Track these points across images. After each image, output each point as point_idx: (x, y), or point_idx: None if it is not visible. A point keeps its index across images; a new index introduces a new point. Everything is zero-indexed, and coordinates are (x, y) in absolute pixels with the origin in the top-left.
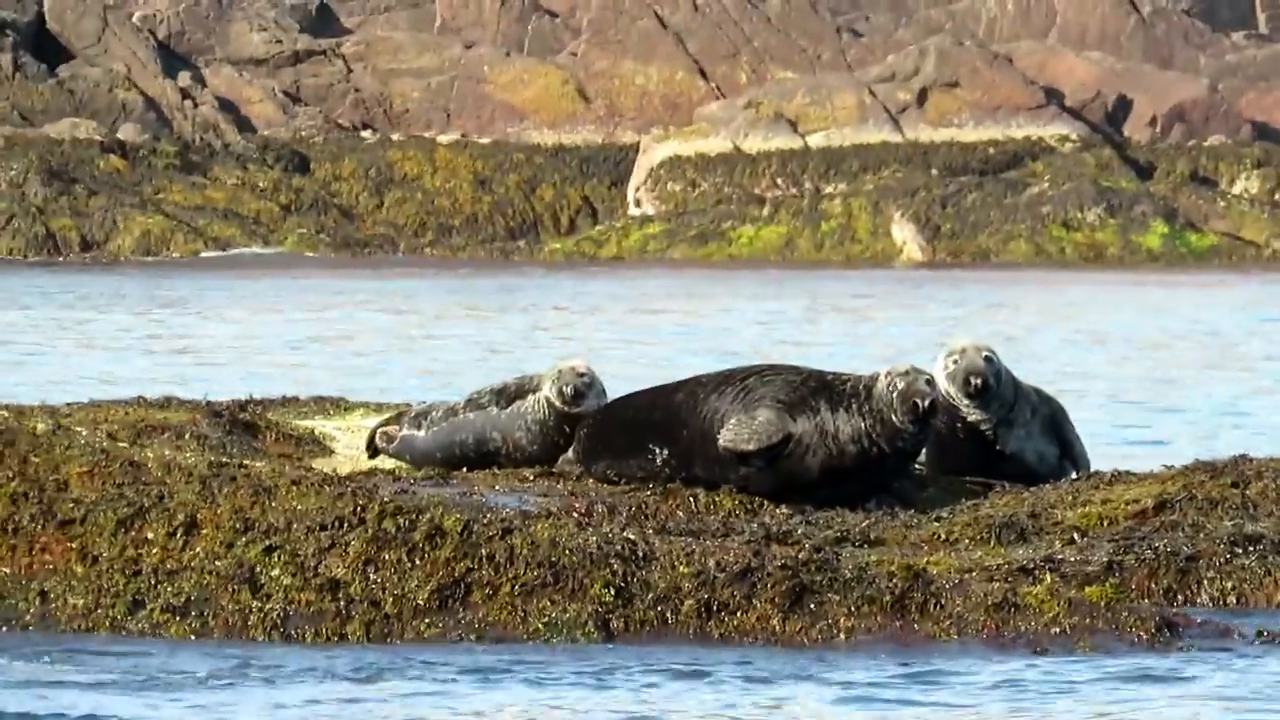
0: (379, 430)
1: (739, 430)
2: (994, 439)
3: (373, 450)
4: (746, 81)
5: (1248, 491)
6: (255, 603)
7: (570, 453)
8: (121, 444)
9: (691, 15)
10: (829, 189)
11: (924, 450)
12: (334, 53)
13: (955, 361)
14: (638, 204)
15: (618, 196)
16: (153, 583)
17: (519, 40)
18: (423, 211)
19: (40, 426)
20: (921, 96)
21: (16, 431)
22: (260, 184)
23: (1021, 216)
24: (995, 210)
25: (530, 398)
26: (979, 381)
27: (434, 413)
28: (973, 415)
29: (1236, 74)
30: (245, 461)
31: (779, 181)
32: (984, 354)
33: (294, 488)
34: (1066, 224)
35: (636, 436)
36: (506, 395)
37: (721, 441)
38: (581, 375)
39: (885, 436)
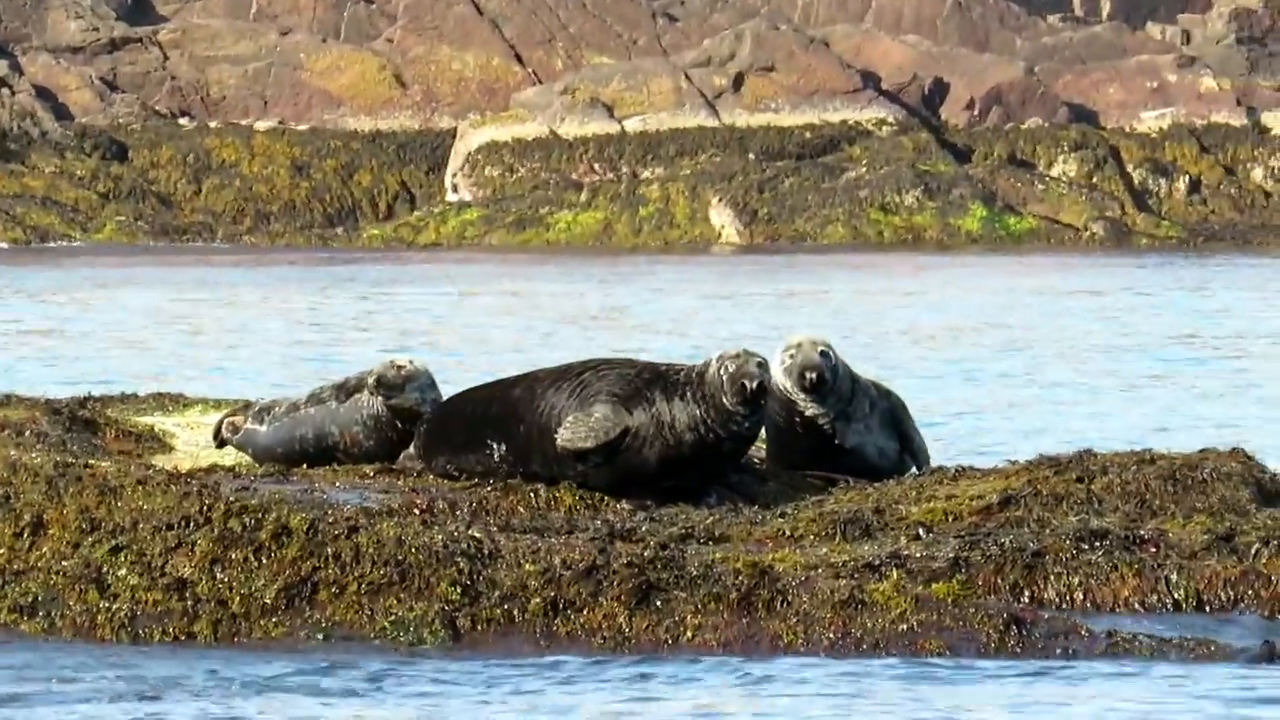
0: (225, 421)
1: (575, 429)
2: (833, 433)
3: (220, 441)
4: (563, 67)
5: (1093, 486)
6: (103, 603)
7: (411, 448)
8: None
9: (507, 1)
10: (646, 174)
11: (765, 444)
12: (151, 40)
13: (791, 356)
14: (455, 190)
15: (435, 182)
16: (0, 583)
17: (335, 27)
18: (240, 198)
19: None
20: (738, 81)
21: None
22: (78, 172)
23: (839, 200)
24: (813, 194)
25: (365, 392)
26: (814, 376)
27: (276, 408)
28: (810, 409)
29: (1053, 56)
30: (91, 461)
31: (596, 167)
32: (820, 348)
33: (140, 487)
34: (884, 207)
35: (475, 432)
36: (345, 389)
37: (559, 441)
38: (400, 368)
39: (719, 422)
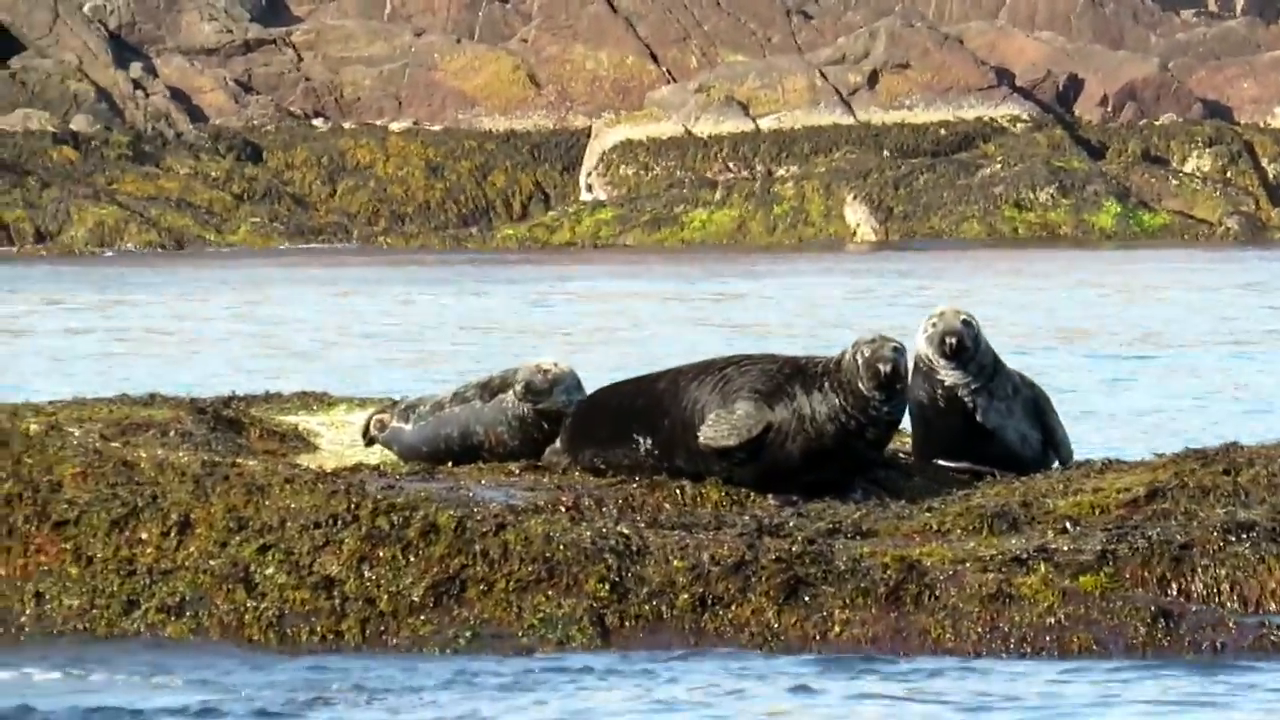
0: (374, 417)
1: (718, 426)
2: (973, 408)
3: (368, 438)
4: (697, 65)
5: (1239, 479)
6: (250, 602)
7: (557, 443)
8: (114, 444)
9: (641, 0)
10: (781, 172)
11: (910, 432)
12: (284, 41)
13: (934, 325)
14: (590, 189)
15: (570, 182)
16: (147, 583)
17: (469, 27)
18: (375, 199)
19: (33, 427)
20: (872, 78)
21: (10, 432)
22: (213, 173)
23: (974, 197)
24: (948, 191)
25: (510, 392)
26: (954, 341)
27: (421, 406)
28: (950, 377)
29: (1187, 52)
30: (238, 460)
31: (731, 165)
32: (962, 317)
33: (287, 486)
34: (1019, 204)
35: (621, 426)
36: (490, 389)
37: (702, 439)
38: (546, 372)
39: (858, 409)
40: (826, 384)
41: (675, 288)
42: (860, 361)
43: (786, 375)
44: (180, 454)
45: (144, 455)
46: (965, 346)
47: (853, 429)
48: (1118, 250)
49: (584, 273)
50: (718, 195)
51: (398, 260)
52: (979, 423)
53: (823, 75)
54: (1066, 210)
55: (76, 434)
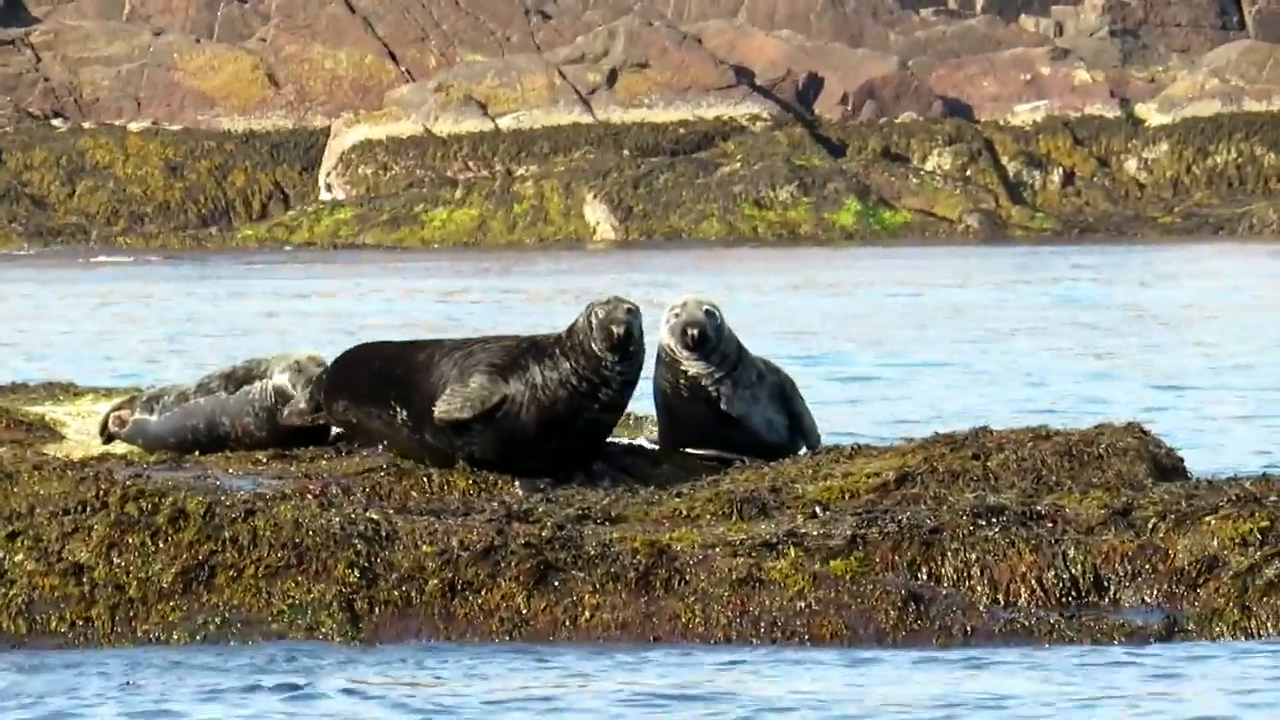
0: (112, 414)
1: (451, 400)
2: (717, 397)
3: (106, 435)
4: (436, 64)
5: (989, 464)
6: (0, 589)
7: (302, 401)
8: None
9: None
10: (521, 171)
11: (655, 420)
12: (23, 42)
13: (676, 315)
14: (329, 189)
15: (309, 182)
16: None
17: (208, 27)
18: (115, 200)
19: None
20: (612, 77)
21: None
22: None
23: (714, 196)
24: (688, 190)
25: (258, 383)
26: (695, 332)
27: (165, 397)
28: (693, 368)
29: (927, 50)
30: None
31: (471, 164)
32: (705, 307)
33: (36, 473)
34: (759, 202)
35: (379, 390)
36: (235, 380)
37: (436, 414)
38: (316, 362)
39: (590, 369)
40: (556, 350)
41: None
42: (595, 323)
43: (523, 349)
44: None
45: None
46: (707, 337)
47: (584, 390)
48: (860, 249)
49: (319, 272)
50: (458, 194)
51: (136, 261)
52: (724, 411)
53: (561, 74)
54: (807, 208)
55: None
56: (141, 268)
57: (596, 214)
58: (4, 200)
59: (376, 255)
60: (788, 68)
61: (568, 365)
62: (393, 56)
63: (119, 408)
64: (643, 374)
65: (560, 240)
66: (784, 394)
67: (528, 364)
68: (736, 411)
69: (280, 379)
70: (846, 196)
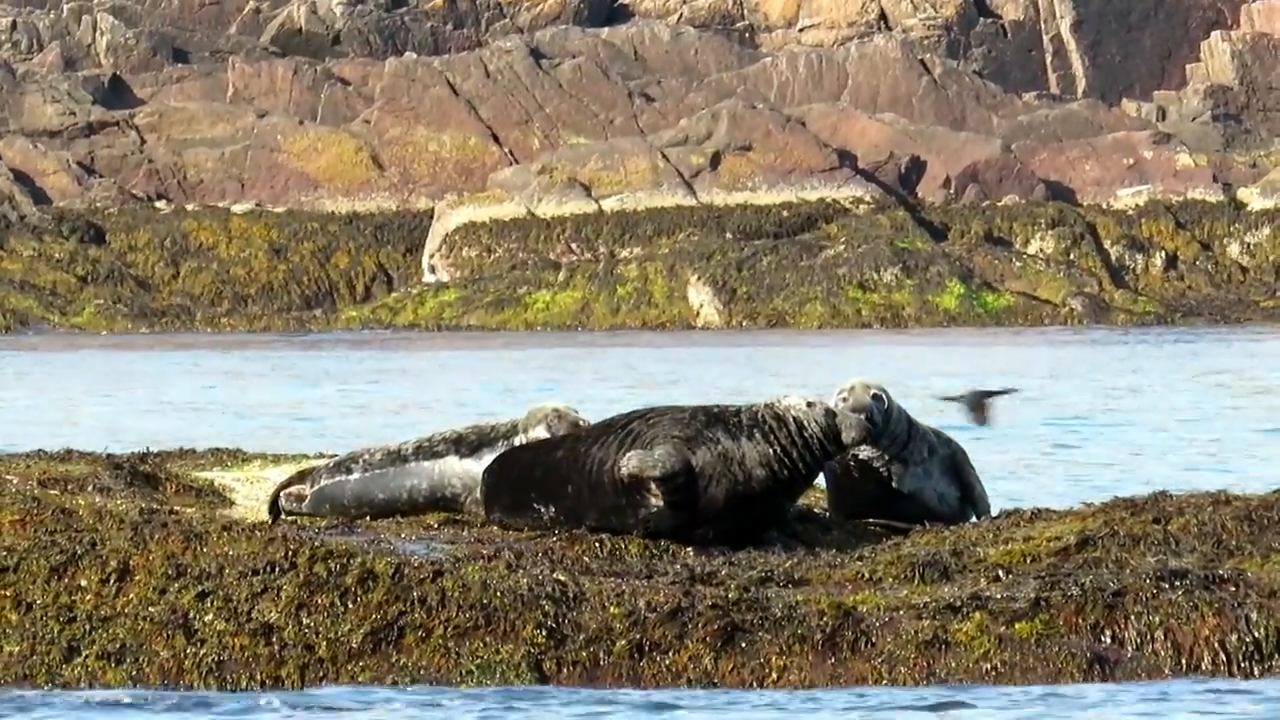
0: (285, 492)
1: (644, 459)
2: (889, 476)
3: (275, 513)
4: (539, 147)
5: (1169, 527)
6: (190, 648)
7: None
8: (53, 491)
9: (483, 82)
10: (624, 253)
11: (826, 494)
12: (127, 123)
13: (844, 400)
14: (433, 270)
15: (413, 263)
16: (87, 629)
17: (312, 109)
18: (218, 281)
19: None
20: (715, 160)
21: None
22: (56, 255)
23: (817, 278)
24: (791, 272)
25: (503, 444)
26: (857, 435)
27: (366, 456)
28: (864, 453)
29: (1029, 134)
30: (176, 508)
31: (574, 246)
32: (872, 391)
33: (225, 533)
34: (862, 285)
35: (520, 496)
36: (467, 444)
37: (625, 470)
38: (561, 415)
39: (805, 459)
40: (757, 432)
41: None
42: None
43: (703, 422)
44: (118, 501)
45: (82, 502)
46: (875, 423)
47: (784, 477)
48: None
49: (441, 355)
50: (561, 276)
51: (245, 343)
52: (896, 489)
53: (665, 157)
54: (910, 291)
55: (14, 481)
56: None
57: (700, 296)
58: (108, 281)
59: (488, 337)
60: (890, 150)
61: (772, 449)
62: (496, 139)
63: (289, 484)
64: None
65: (663, 322)
66: (955, 464)
67: (716, 437)
68: (908, 489)
69: (537, 431)
70: (950, 279)
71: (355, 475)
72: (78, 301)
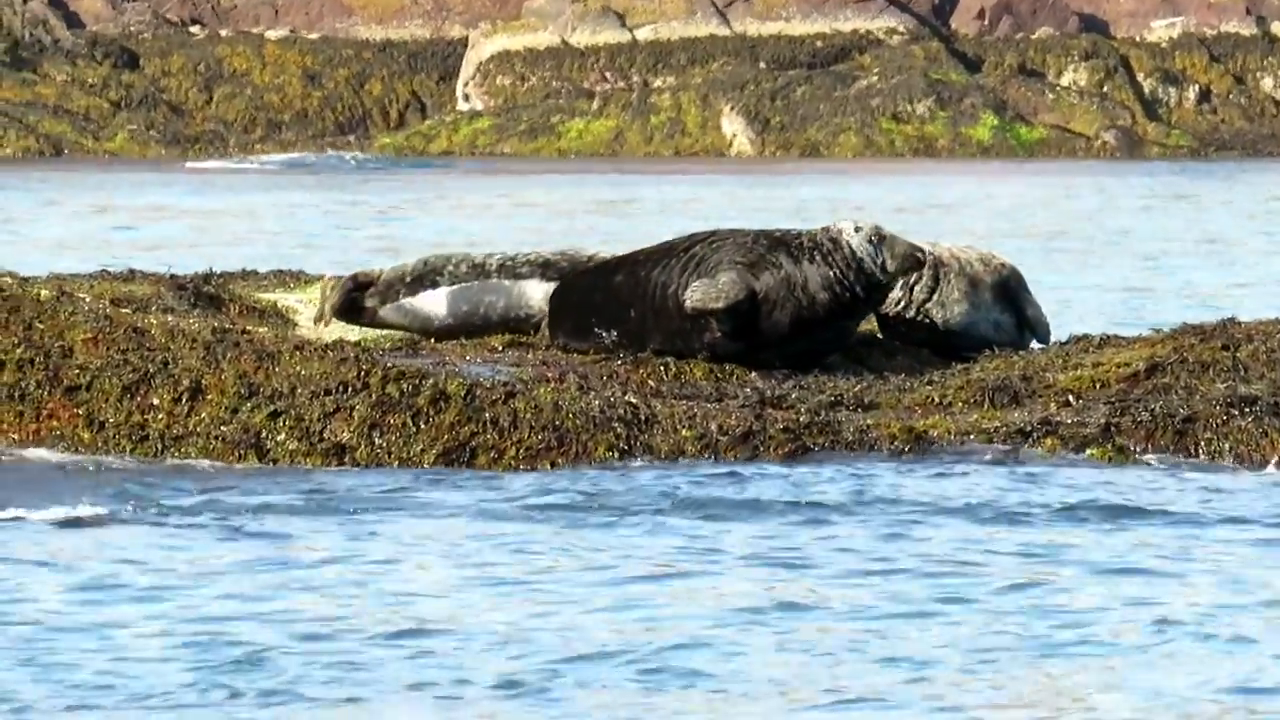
0: (352, 294)
1: (706, 289)
2: (930, 323)
3: (352, 309)
4: None
5: (1238, 354)
6: (262, 467)
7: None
8: (125, 310)
9: None
10: (658, 83)
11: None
12: None
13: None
14: (466, 99)
15: (446, 91)
16: (159, 448)
17: None
18: (252, 107)
19: (44, 293)
20: None
21: (20, 298)
22: (90, 80)
23: (851, 109)
24: (825, 104)
25: None
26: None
27: (450, 266)
28: (891, 309)
29: None
30: (248, 327)
31: (607, 75)
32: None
33: (297, 353)
34: (896, 117)
35: (582, 320)
36: (555, 268)
37: (689, 303)
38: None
39: (862, 284)
40: (818, 256)
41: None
42: (878, 244)
43: (766, 246)
44: (191, 320)
45: (154, 322)
46: (924, 251)
47: (847, 300)
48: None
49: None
50: (594, 105)
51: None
52: (946, 329)
53: None
54: (944, 123)
55: (87, 300)
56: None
57: (733, 126)
58: (141, 106)
59: (519, 164)
60: None
61: (831, 273)
62: None
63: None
64: None
65: (696, 151)
66: (1007, 290)
67: (779, 262)
68: (958, 326)
69: None
70: (983, 112)
71: (440, 290)
72: (110, 127)
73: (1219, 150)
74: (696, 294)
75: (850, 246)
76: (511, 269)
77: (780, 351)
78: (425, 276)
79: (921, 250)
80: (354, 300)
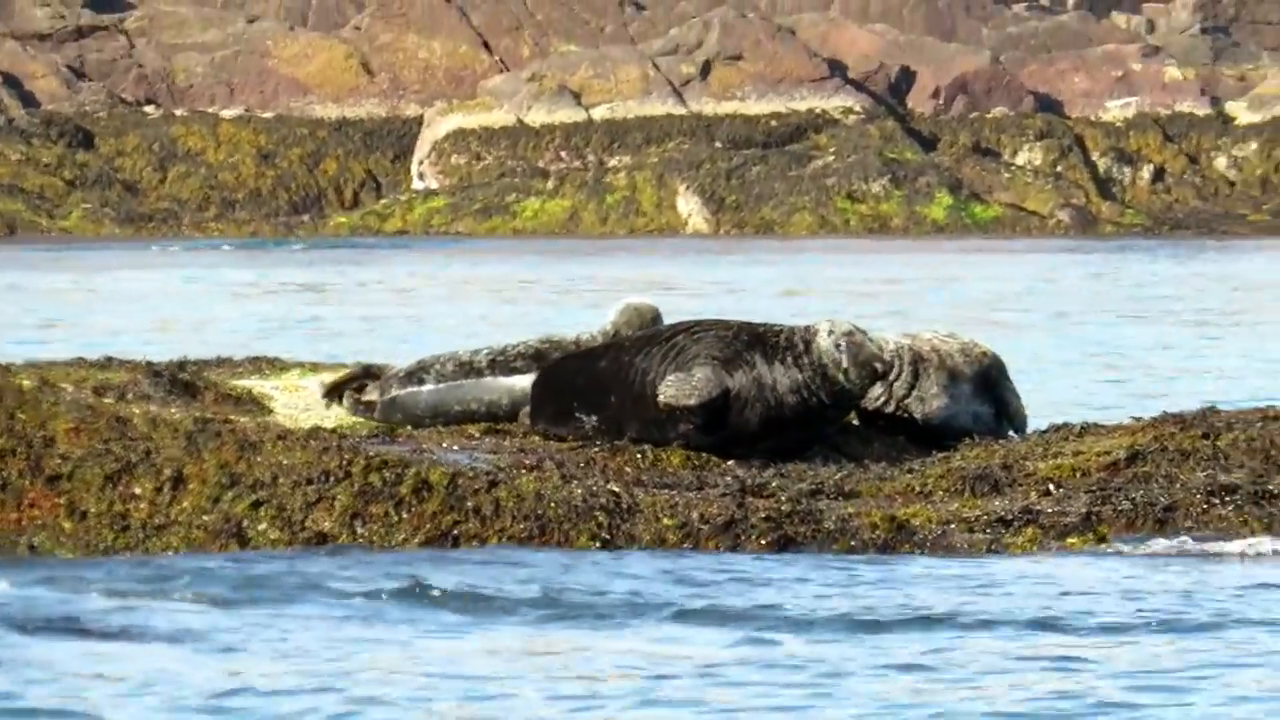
0: (350, 397)
1: (680, 386)
2: (910, 418)
3: (356, 404)
4: (530, 55)
5: (1218, 443)
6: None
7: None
8: (107, 399)
9: None
10: (613, 162)
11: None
12: (117, 27)
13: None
14: (421, 177)
15: (401, 170)
16: (141, 537)
17: (302, 14)
18: (206, 186)
19: (26, 383)
20: (705, 69)
21: (2, 387)
22: (44, 159)
23: (806, 188)
24: (780, 182)
25: None
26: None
27: (437, 366)
28: (871, 404)
29: (1019, 45)
30: (230, 417)
31: (563, 154)
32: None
33: (279, 442)
34: (851, 195)
35: (563, 405)
36: (544, 357)
37: (662, 398)
38: (640, 311)
39: (826, 390)
40: (789, 358)
41: (524, 273)
42: (844, 353)
43: (744, 343)
44: (173, 410)
45: (137, 411)
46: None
47: (814, 405)
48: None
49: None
50: (550, 184)
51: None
52: (925, 426)
53: (655, 65)
54: (899, 202)
55: (69, 390)
56: (237, 254)
57: (689, 205)
58: (96, 186)
59: (475, 244)
60: (880, 61)
61: (800, 376)
62: (486, 46)
63: (345, 382)
64: None
65: (651, 231)
66: (988, 382)
67: (753, 360)
68: (938, 421)
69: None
70: (938, 190)
71: (428, 387)
72: (65, 205)
73: (1173, 229)
74: (670, 389)
75: (819, 349)
76: (505, 364)
77: (752, 447)
78: (413, 375)
79: (882, 361)
80: (362, 388)
